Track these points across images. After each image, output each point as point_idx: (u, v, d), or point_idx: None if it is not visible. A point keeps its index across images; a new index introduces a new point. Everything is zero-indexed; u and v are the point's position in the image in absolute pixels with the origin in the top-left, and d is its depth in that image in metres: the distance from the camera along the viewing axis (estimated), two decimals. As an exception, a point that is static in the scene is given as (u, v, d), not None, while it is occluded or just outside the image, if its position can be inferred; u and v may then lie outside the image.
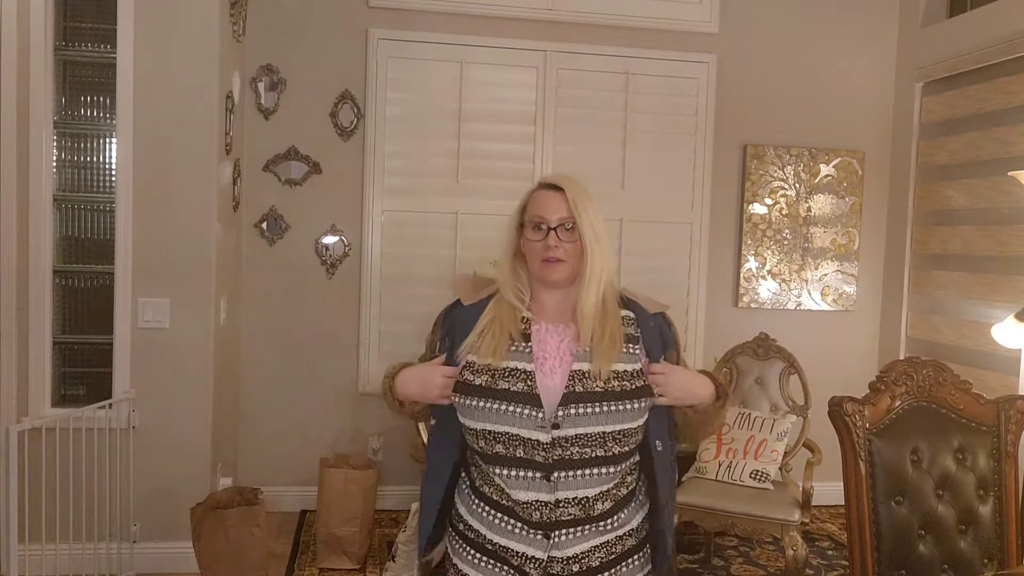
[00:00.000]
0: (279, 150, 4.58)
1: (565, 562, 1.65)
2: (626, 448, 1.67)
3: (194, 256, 3.70)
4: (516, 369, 1.66)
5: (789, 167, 4.98)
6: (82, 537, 3.42)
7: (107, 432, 3.56)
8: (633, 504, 1.74)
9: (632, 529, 1.73)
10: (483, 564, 1.72)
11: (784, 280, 5.01)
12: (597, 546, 1.68)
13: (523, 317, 1.71)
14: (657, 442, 1.71)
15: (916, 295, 4.88)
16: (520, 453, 1.63)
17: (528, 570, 1.66)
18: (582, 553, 1.66)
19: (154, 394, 3.68)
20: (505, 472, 1.66)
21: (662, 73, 4.84)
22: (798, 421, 3.95)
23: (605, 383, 1.64)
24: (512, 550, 1.67)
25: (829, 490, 4.35)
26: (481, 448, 1.68)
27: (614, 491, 1.69)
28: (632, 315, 1.74)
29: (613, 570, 1.70)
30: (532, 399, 1.63)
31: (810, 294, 5.04)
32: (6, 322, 3.57)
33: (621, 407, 1.64)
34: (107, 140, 3.75)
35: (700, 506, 3.66)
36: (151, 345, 3.67)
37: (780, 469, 3.89)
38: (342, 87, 4.60)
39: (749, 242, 4.97)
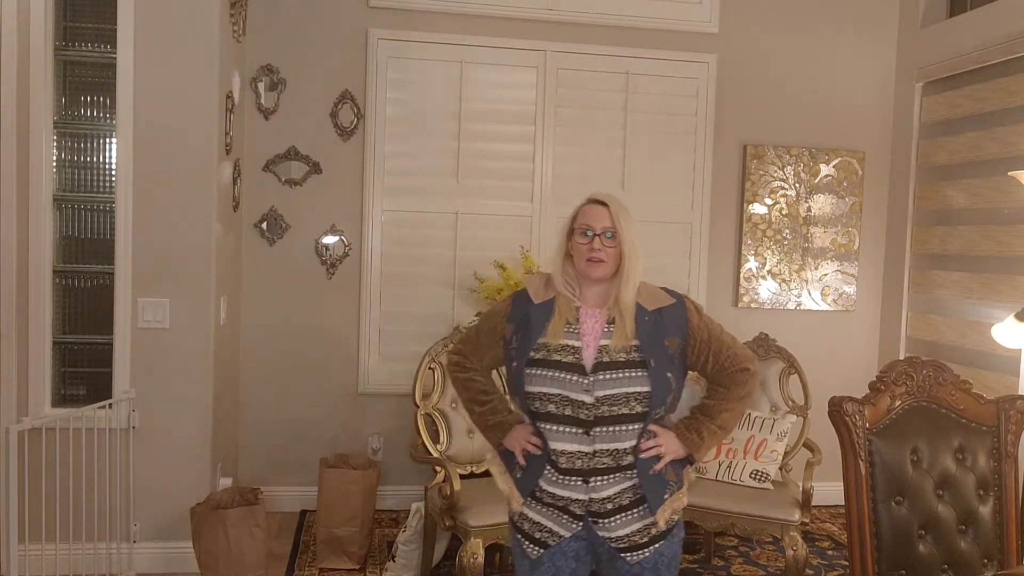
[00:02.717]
0: (279, 150, 4.58)
1: (601, 502, 2.06)
2: (647, 408, 2.04)
3: (194, 256, 3.70)
4: (567, 345, 2.07)
5: (789, 167, 4.98)
6: (82, 537, 3.42)
7: (107, 432, 3.56)
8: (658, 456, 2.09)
9: (660, 473, 2.09)
10: (542, 509, 2.12)
11: (784, 280, 5.01)
12: (627, 488, 2.07)
13: (576, 306, 2.13)
14: (661, 407, 2.07)
15: (916, 295, 4.88)
16: (568, 412, 2.04)
17: (573, 509, 2.08)
18: (615, 494, 2.06)
19: (154, 394, 3.68)
20: (553, 427, 2.06)
21: (662, 73, 4.84)
22: (798, 421, 3.95)
23: (627, 354, 2.04)
24: (557, 493, 2.08)
25: (829, 490, 4.35)
26: (536, 408, 2.08)
27: (639, 445, 2.07)
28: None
29: (642, 507, 2.08)
30: (579, 368, 2.05)
31: (810, 294, 5.04)
32: (6, 322, 3.57)
33: (637, 374, 2.04)
34: (107, 140, 3.74)
35: (700, 506, 3.66)
36: (151, 345, 3.67)
37: (780, 469, 3.89)
38: (342, 87, 4.60)
39: (749, 242, 4.97)
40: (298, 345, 4.64)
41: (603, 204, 2.13)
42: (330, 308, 4.66)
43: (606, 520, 2.07)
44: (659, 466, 2.09)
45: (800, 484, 3.64)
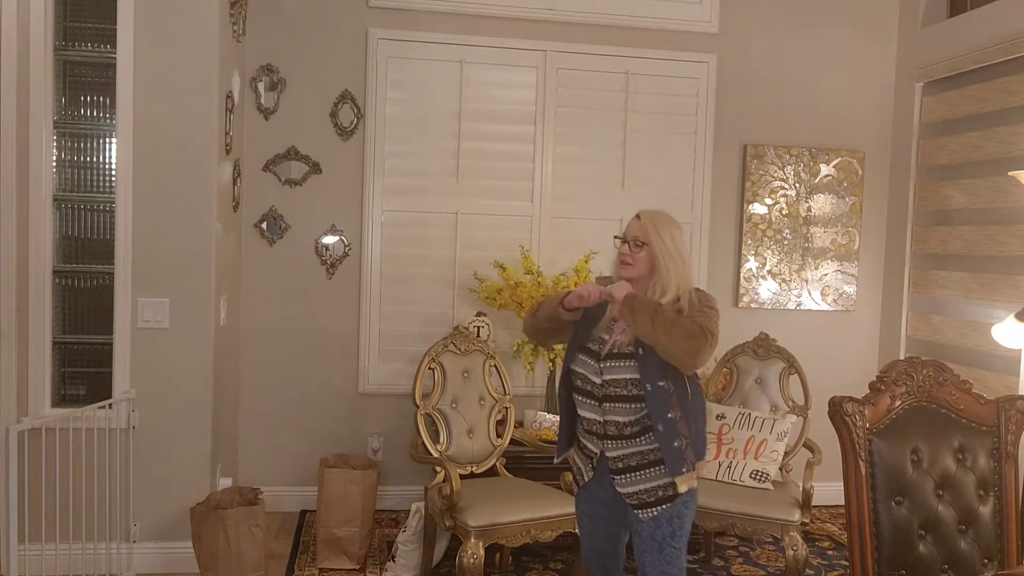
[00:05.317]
0: (279, 150, 4.58)
1: (613, 459, 2.59)
2: (643, 392, 2.50)
3: (194, 256, 3.70)
4: (600, 337, 2.62)
5: (789, 167, 4.98)
6: (82, 537, 3.42)
7: (107, 432, 3.56)
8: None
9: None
10: (578, 452, 2.74)
11: (784, 280, 5.01)
12: (632, 452, 2.56)
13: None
14: (647, 384, 2.50)
15: (916, 295, 4.88)
16: (589, 388, 2.61)
17: (592, 458, 2.66)
18: (622, 455, 2.57)
19: (154, 394, 3.68)
20: (579, 398, 2.65)
21: (662, 73, 4.84)
22: (798, 421, 3.95)
23: (633, 347, 2.52)
24: (587, 446, 2.68)
25: (829, 490, 4.35)
26: (572, 381, 2.67)
27: (643, 420, 2.54)
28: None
29: (645, 470, 2.55)
30: (596, 356, 2.59)
31: (810, 294, 5.04)
32: (6, 322, 3.57)
33: (635, 364, 2.51)
34: (107, 140, 3.74)
35: (700, 506, 3.65)
36: (151, 345, 3.67)
37: (780, 469, 3.89)
38: (342, 87, 4.60)
39: (749, 242, 4.97)
40: (298, 345, 4.64)
41: (638, 217, 2.61)
42: (330, 308, 4.66)
43: (619, 477, 2.58)
44: (608, 293, 2.56)
45: (800, 484, 3.64)
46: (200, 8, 3.65)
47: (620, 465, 2.58)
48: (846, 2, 5.00)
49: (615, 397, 2.55)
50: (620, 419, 2.55)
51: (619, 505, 2.63)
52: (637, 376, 2.51)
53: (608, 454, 2.59)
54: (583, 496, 2.75)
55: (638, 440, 2.55)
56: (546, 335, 2.81)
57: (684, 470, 2.52)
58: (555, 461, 2.95)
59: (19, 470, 3.08)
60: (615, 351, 2.56)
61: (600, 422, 2.59)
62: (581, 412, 2.66)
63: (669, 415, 2.51)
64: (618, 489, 2.59)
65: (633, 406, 2.54)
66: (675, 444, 2.51)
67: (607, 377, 2.56)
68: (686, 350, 2.42)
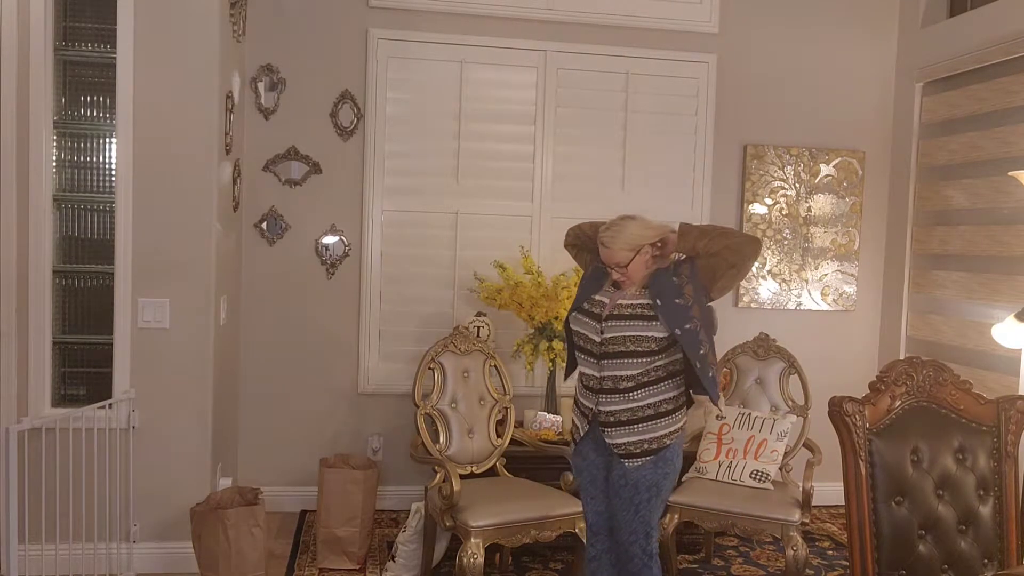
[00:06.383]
0: (279, 150, 4.58)
1: (606, 414, 2.83)
2: (641, 348, 2.76)
3: (194, 256, 3.70)
4: (599, 300, 2.88)
5: (789, 167, 4.98)
6: (82, 537, 3.42)
7: (107, 432, 3.56)
8: (655, 387, 2.80)
9: (652, 403, 2.80)
10: (576, 410, 2.99)
11: (784, 280, 5.01)
12: (624, 408, 2.80)
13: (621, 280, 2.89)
14: (676, 330, 2.73)
15: (916, 295, 4.88)
16: (589, 347, 2.85)
17: (588, 414, 2.90)
18: (615, 410, 2.82)
19: (154, 394, 3.68)
20: (581, 356, 2.92)
21: (662, 73, 4.84)
22: (798, 421, 3.95)
23: (632, 309, 2.79)
24: (583, 402, 2.93)
25: (829, 490, 4.36)
26: (574, 340, 2.94)
27: (638, 376, 2.78)
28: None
29: (636, 425, 2.80)
30: (597, 317, 2.84)
31: (810, 294, 5.04)
32: (6, 322, 3.57)
33: (635, 323, 2.77)
34: (107, 140, 3.74)
35: (700, 506, 3.66)
36: (151, 345, 3.67)
37: (780, 469, 3.89)
38: (342, 87, 4.60)
39: (749, 242, 4.96)
40: (298, 345, 4.64)
41: (605, 245, 2.82)
42: (330, 308, 4.66)
43: (609, 429, 2.83)
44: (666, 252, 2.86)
45: (800, 484, 3.64)
46: (200, 8, 3.65)
47: (612, 419, 2.82)
48: (846, 2, 5.00)
49: (613, 354, 2.79)
50: (617, 374, 2.79)
51: (609, 460, 2.87)
52: (639, 334, 2.76)
53: (602, 408, 2.84)
54: (580, 463, 2.98)
55: (632, 395, 2.79)
56: (576, 241, 3.09)
57: (719, 393, 2.87)
58: (564, 380, 3.28)
59: (19, 470, 3.08)
60: (615, 312, 2.81)
61: (597, 377, 2.83)
62: (581, 368, 2.92)
63: (702, 351, 2.75)
64: (607, 440, 2.84)
65: (629, 362, 2.78)
66: (711, 375, 2.77)
67: (607, 335, 2.80)
68: (743, 242, 2.76)
